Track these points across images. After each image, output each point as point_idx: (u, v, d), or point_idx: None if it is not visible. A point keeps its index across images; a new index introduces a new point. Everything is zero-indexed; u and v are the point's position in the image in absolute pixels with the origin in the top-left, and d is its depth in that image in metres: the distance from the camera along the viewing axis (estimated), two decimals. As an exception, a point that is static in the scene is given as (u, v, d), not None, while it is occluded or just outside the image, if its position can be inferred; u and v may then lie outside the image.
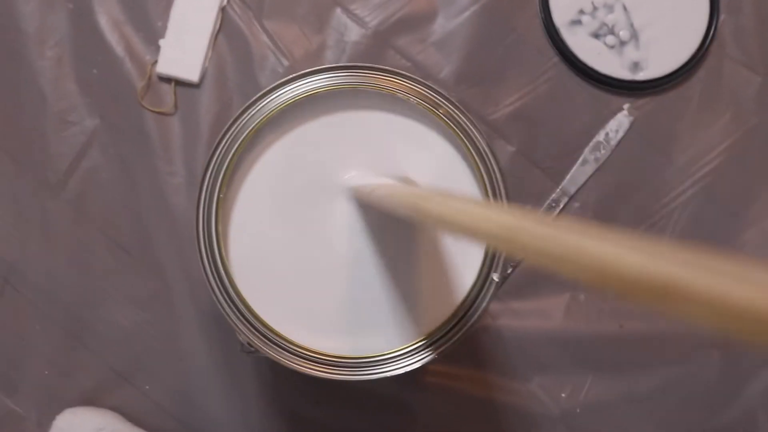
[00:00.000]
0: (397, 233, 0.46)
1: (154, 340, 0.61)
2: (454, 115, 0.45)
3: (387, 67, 0.46)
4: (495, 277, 0.43)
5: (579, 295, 0.63)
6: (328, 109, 0.46)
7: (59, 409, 0.60)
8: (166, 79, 0.63)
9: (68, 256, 0.62)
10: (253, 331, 0.43)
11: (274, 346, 0.43)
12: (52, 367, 0.61)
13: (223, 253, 0.43)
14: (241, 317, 0.43)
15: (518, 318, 0.63)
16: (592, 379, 0.63)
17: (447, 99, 0.45)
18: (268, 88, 0.45)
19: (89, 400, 0.61)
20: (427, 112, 0.45)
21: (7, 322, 0.61)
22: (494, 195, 0.44)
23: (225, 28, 0.64)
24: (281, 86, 0.45)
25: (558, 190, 0.63)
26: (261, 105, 0.44)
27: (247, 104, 0.44)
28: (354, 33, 0.64)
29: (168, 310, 0.61)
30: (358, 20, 0.64)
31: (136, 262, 0.62)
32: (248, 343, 0.45)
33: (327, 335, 0.45)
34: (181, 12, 0.63)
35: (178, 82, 0.63)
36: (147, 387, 0.61)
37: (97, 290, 0.62)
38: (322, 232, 0.46)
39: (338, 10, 0.64)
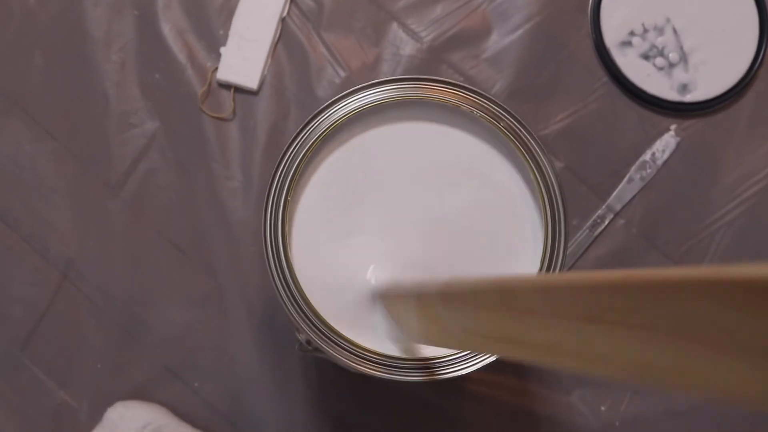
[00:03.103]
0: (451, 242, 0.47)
1: (205, 339, 0.63)
2: (515, 128, 0.46)
3: (449, 80, 0.47)
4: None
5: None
6: (389, 120, 0.47)
7: (110, 402, 0.62)
8: (226, 86, 0.65)
9: (125, 254, 0.64)
10: (314, 329, 0.44)
11: (333, 344, 0.45)
12: (105, 361, 0.63)
13: (289, 254, 0.44)
14: (303, 315, 0.44)
15: (561, 331, 0.64)
16: (631, 394, 0.64)
17: (507, 112, 0.47)
18: (334, 98, 0.46)
19: (140, 394, 0.63)
20: (488, 125, 0.46)
21: (63, 316, 0.63)
22: (552, 208, 0.46)
23: (284, 38, 0.66)
24: (347, 96, 0.46)
25: (604, 206, 0.65)
26: (328, 114, 0.46)
27: (315, 112, 0.46)
28: (409, 47, 0.66)
29: (220, 310, 0.63)
30: (414, 35, 0.66)
31: (191, 262, 0.63)
32: (307, 342, 0.47)
33: (382, 338, 0.46)
34: (243, 22, 0.65)
35: (238, 89, 0.65)
36: (196, 384, 0.63)
37: (152, 288, 0.63)
38: (373, 239, 0.47)
39: (395, 25, 0.66)
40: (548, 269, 0.45)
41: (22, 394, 0.63)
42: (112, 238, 0.64)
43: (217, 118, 0.65)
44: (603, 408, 0.63)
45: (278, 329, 0.63)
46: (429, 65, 0.65)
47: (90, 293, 0.63)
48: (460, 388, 0.63)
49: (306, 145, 0.45)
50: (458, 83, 0.47)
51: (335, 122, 0.46)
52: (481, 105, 0.46)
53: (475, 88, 0.47)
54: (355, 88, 0.46)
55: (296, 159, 0.45)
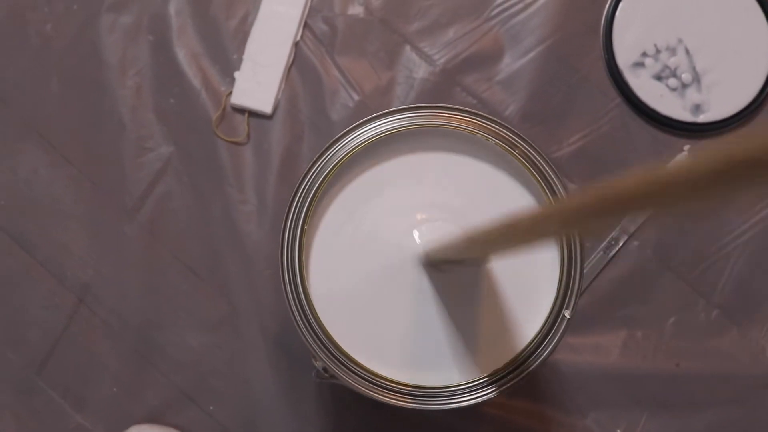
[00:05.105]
0: (468, 273, 0.47)
1: (220, 363, 0.63)
2: (529, 154, 0.46)
3: (463, 108, 0.47)
4: (567, 314, 0.45)
5: (636, 332, 0.64)
6: (404, 149, 0.48)
7: (126, 426, 0.62)
8: (240, 110, 0.65)
9: (141, 277, 0.64)
10: (331, 358, 0.45)
11: (351, 373, 0.45)
12: (121, 384, 0.63)
13: (306, 282, 0.45)
14: (320, 344, 0.44)
15: (575, 353, 0.64)
16: (647, 416, 0.64)
17: (522, 138, 0.47)
18: (349, 127, 0.46)
19: (155, 418, 0.63)
20: (503, 152, 0.46)
21: (79, 339, 0.64)
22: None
23: (298, 62, 0.66)
24: (362, 125, 0.47)
25: (618, 228, 0.65)
26: (344, 142, 0.46)
27: (330, 142, 0.46)
28: (422, 70, 0.66)
29: (235, 333, 0.63)
30: (427, 58, 0.66)
31: (206, 285, 0.64)
32: (324, 369, 0.47)
33: (399, 367, 0.46)
34: (257, 46, 0.66)
35: (252, 113, 0.65)
36: (211, 408, 0.63)
37: (167, 312, 0.64)
38: (391, 269, 0.47)
39: (408, 48, 0.66)
40: (565, 291, 0.45)
41: (38, 417, 0.63)
42: (127, 261, 0.64)
43: (232, 142, 0.65)
44: (618, 431, 0.63)
45: (293, 352, 0.63)
46: (442, 88, 0.66)
47: (106, 317, 0.64)
48: (477, 412, 0.63)
49: (321, 174, 0.46)
50: (473, 111, 0.47)
51: (351, 151, 0.46)
52: (496, 132, 0.47)
53: (489, 116, 0.47)
54: (369, 117, 0.47)
55: (312, 188, 0.45)
